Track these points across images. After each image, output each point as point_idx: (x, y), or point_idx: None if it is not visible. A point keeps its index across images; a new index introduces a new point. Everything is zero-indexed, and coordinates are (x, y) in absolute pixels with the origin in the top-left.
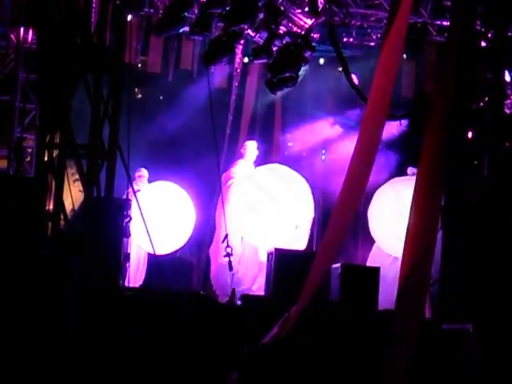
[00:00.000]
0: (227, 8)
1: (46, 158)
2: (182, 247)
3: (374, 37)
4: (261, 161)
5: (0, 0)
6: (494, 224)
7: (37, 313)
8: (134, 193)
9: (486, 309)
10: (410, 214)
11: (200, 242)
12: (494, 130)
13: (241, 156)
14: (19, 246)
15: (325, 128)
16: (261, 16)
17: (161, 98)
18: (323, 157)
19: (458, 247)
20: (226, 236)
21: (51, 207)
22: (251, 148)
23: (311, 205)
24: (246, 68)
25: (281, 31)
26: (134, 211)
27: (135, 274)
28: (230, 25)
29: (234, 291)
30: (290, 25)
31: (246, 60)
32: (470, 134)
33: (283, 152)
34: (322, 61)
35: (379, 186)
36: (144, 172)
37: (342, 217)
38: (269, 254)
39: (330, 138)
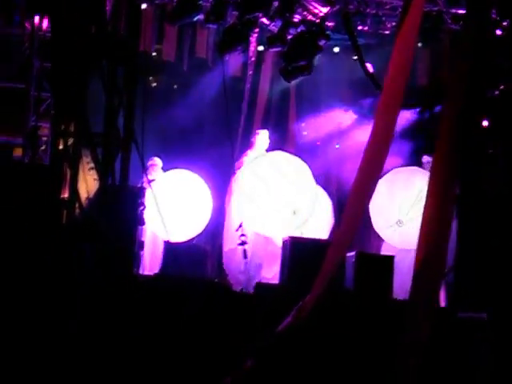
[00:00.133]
0: None
1: (61, 147)
2: (199, 234)
3: (389, 25)
4: (275, 149)
5: None
6: (508, 213)
7: (50, 301)
8: (149, 181)
9: (500, 297)
10: (426, 202)
11: (214, 230)
12: (509, 118)
13: (251, 145)
14: (34, 234)
15: (339, 117)
16: (275, 4)
17: (175, 86)
18: (337, 145)
19: (473, 236)
20: (241, 225)
21: (66, 195)
22: (262, 137)
23: (312, 190)
24: (261, 56)
25: (295, 19)
26: (149, 199)
27: (153, 262)
28: (245, 13)
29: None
30: (305, 13)
31: (260, 48)
32: (485, 123)
33: (297, 141)
34: (336, 49)
35: None
36: (157, 161)
37: (356, 205)
38: (284, 242)
39: (345, 126)
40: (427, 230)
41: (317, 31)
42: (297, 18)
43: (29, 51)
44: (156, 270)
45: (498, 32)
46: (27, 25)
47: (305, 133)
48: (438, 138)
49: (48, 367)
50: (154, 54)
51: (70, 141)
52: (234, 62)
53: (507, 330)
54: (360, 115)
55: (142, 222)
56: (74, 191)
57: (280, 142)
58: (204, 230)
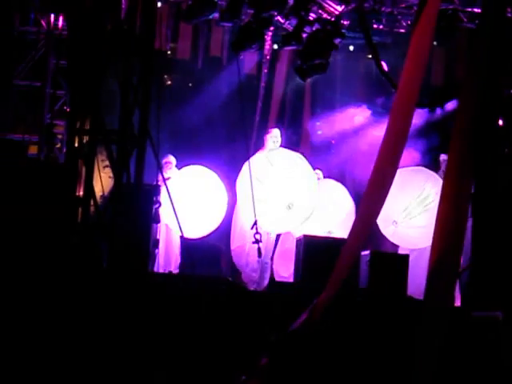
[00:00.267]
0: None
1: (76, 145)
2: (215, 231)
3: (404, 23)
4: (290, 147)
5: None
6: None
7: (66, 298)
8: (164, 179)
9: None
10: (440, 201)
11: (228, 228)
12: None
13: (263, 144)
14: (49, 232)
15: (354, 115)
16: (291, 2)
17: (190, 84)
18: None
19: (488, 235)
20: (255, 222)
21: (81, 193)
22: (273, 136)
23: (311, 185)
24: (276, 55)
25: (311, 18)
26: (164, 197)
27: (167, 260)
28: (260, 11)
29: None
30: (320, 11)
31: (275, 47)
32: (500, 122)
33: (312, 139)
34: (351, 48)
35: None
36: (171, 159)
37: (371, 204)
38: (297, 241)
39: (360, 125)
40: (442, 229)
41: (332, 30)
42: (312, 16)
43: (44, 49)
44: (171, 268)
45: None
46: (43, 23)
47: (319, 132)
48: (453, 138)
49: (62, 365)
50: (169, 52)
51: (86, 138)
52: (248, 60)
53: None
54: (375, 113)
55: (158, 220)
56: (89, 189)
57: (294, 140)
58: (218, 228)
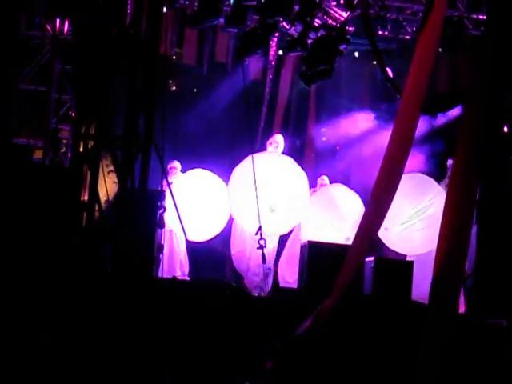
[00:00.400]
0: (262, 0)
1: (81, 149)
2: (218, 235)
3: (410, 30)
4: (295, 153)
5: None
6: None
7: (70, 301)
8: (168, 184)
9: None
10: (445, 207)
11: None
12: None
13: (265, 149)
14: (54, 236)
15: (359, 121)
16: (296, 9)
17: (195, 90)
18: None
19: (493, 242)
20: (260, 228)
21: (86, 198)
22: (273, 141)
23: (296, 187)
24: (281, 60)
25: (316, 24)
26: (168, 202)
27: (171, 265)
28: (265, 17)
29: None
30: (325, 17)
31: (280, 52)
32: (505, 129)
33: (317, 145)
34: (356, 54)
35: None
36: (176, 164)
37: (376, 210)
38: (302, 247)
39: (365, 130)
40: (447, 234)
41: (337, 36)
42: (317, 22)
43: (50, 54)
44: (175, 274)
45: None
46: (48, 28)
47: (324, 138)
48: (459, 144)
49: (65, 367)
50: (174, 57)
51: (90, 143)
52: (254, 65)
53: None
54: (380, 119)
55: (162, 225)
56: (94, 194)
57: (299, 146)
58: (223, 231)
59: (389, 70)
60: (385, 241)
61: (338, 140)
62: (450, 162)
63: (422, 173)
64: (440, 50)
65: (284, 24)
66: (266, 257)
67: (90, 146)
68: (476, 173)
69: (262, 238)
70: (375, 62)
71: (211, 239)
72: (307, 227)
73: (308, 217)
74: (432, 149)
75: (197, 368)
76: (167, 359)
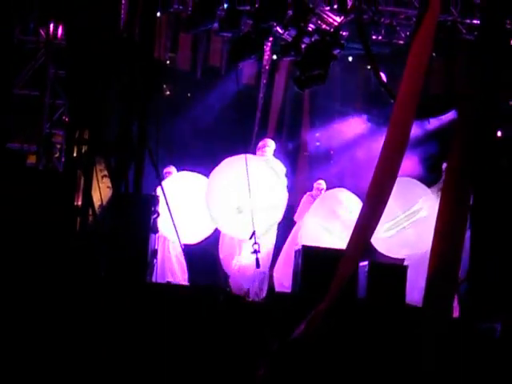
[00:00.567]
0: (256, 5)
1: (74, 154)
2: (212, 236)
3: (403, 35)
4: (289, 158)
5: None
6: None
7: (63, 308)
8: (163, 189)
9: None
10: (439, 212)
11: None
12: None
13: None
14: (48, 241)
15: (353, 125)
16: (290, 13)
17: (189, 95)
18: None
19: (486, 247)
20: (254, 233)
21: (80, 203)
22: (260, 146)
23: (271, 186)
24: (275, 65)
25: (310, 28)
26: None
27: (162, 270)
28: (259, 22)
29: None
30: (319, 22)
31: (274, 57)
32: (499, 133)
33: (311, 149)
34: (350, 58)
35: None
36: (172, 169)
37: (369, 215)
38: (296, 252)
39: (358, 135)
40: (441, 239)
41: (331, 40)
42: (311, 27)
43: (43, 59)
44: (168, 278)
45: None
46: (42, 33)
47: (317, 143)
48: (452, 148)
49: (58, 373)
50: (168, 62)
51: (84, 148)
52: (247, 70)
53: None
54: (374, 124)
55: (156, 230)
56: (88, 199)
57: (293, 151)
58: (215, 233)
59: (382, 74)
60: (374, 244)
61: (332, 144)
62: (444, 165)
63: (415, 176)
64: (434, 54)
65: (278, 29)
66: (260, 262)
67: (83, 150)
68: (470, 177)
69: (255, 243)
70: (369, 67)
71: (203, 241)
72: (308, 233)
73: (310, 223)
74: (425, 152)
75: (191, 373)
76: (161, 364)
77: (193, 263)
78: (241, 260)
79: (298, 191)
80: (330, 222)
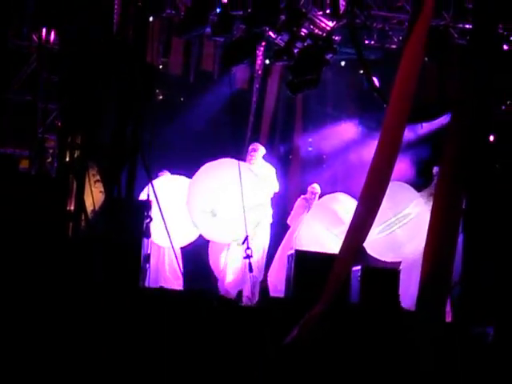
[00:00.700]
0: (249, 10)
1: (67, 159)
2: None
3: (396, 39)
4: (281, 163)
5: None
6: None
7: (56, 313)
8: (155, 194)
9: (507, 312)
10: (432, 216)
11: None
12: None
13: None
14: (40, 246)
15: (346, 130)
16: (282, 18)
17: (182, 99)
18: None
19: (479, 251)
20: (247, 237)
21: (72, 208)
22: (253, 150)
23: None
24: (267, 70)
25: (302, 33)
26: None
27: (155, 275)
28: (252, 27)
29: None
30: (312, 27)
31: (267, 62)
32: (491, 138)
33: (303, 154)
34: (343, 63)
35: None
36: (165, 173)
37: (362, 219)
38: (289, 256)
39: (351, 140)
40: (434, 243)
41: (323, 45)
42: (304, 31)
43: (36, 63)
44: (161, 283)
45: (505, 47)
46: (34, 37)
47: (310, 148)
48: (445, 153)
49: (52, 377)
50: (160, 66)
51: (77, 153)
52: (240, 75)
53: None
54: (366, 129)
55: (149, 235)
56: (80, 203)
57: (286, 155)
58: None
59: (375, 79)
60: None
61: (325, 149)
62: (435, 169)
63: (405, 180)
64: (426, 58)
65: (270, 33)
66: (252, 267)
67: (76, 155)
68: (462, 182)
69: (248, 248)
70: (361, 72)
71: (197, 246)
72: (305, 237)
73: (308, 227)
74: (417, 155)
75: (185, 378)
76: (155, 369)
77: (187, 268)
78: (229, 264)
79: (290, 195)
80: (336, 227)
